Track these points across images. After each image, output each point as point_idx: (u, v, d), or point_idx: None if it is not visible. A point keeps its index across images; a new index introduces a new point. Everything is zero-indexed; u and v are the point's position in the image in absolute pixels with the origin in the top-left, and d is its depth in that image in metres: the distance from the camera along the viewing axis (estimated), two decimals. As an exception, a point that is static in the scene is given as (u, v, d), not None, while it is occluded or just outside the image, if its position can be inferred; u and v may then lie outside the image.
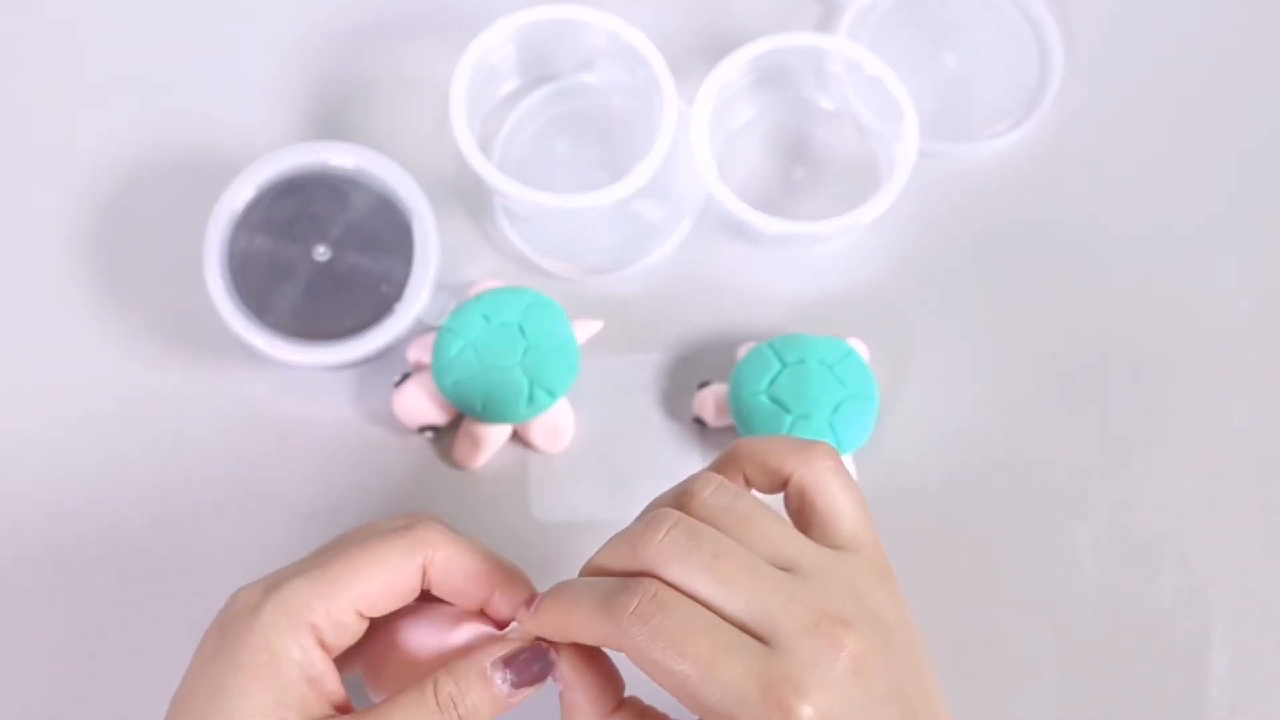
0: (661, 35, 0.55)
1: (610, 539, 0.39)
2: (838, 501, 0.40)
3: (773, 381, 0.53)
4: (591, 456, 0.54)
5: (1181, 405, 0.55)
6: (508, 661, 0.39)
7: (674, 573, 0.37)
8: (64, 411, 0.54)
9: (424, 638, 0.42)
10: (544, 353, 0.53)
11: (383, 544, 0.40)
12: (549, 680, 0.40)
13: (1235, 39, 0.61)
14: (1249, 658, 0.52)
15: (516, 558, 0.52)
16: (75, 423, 0.54)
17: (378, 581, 0.40)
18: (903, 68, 0.56)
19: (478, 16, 0.55)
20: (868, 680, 0.36)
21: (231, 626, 0.39)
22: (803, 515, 0.40)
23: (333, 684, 0.39)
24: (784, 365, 0.53)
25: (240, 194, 0.53)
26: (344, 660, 0.41)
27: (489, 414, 0.53)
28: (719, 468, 0.41)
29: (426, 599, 0.42)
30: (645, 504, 0.41)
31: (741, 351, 0.55)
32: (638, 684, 0.39)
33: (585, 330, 0.54)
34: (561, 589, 0.39)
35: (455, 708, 0.39)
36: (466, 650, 0.41)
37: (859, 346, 0.54)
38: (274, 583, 0.39)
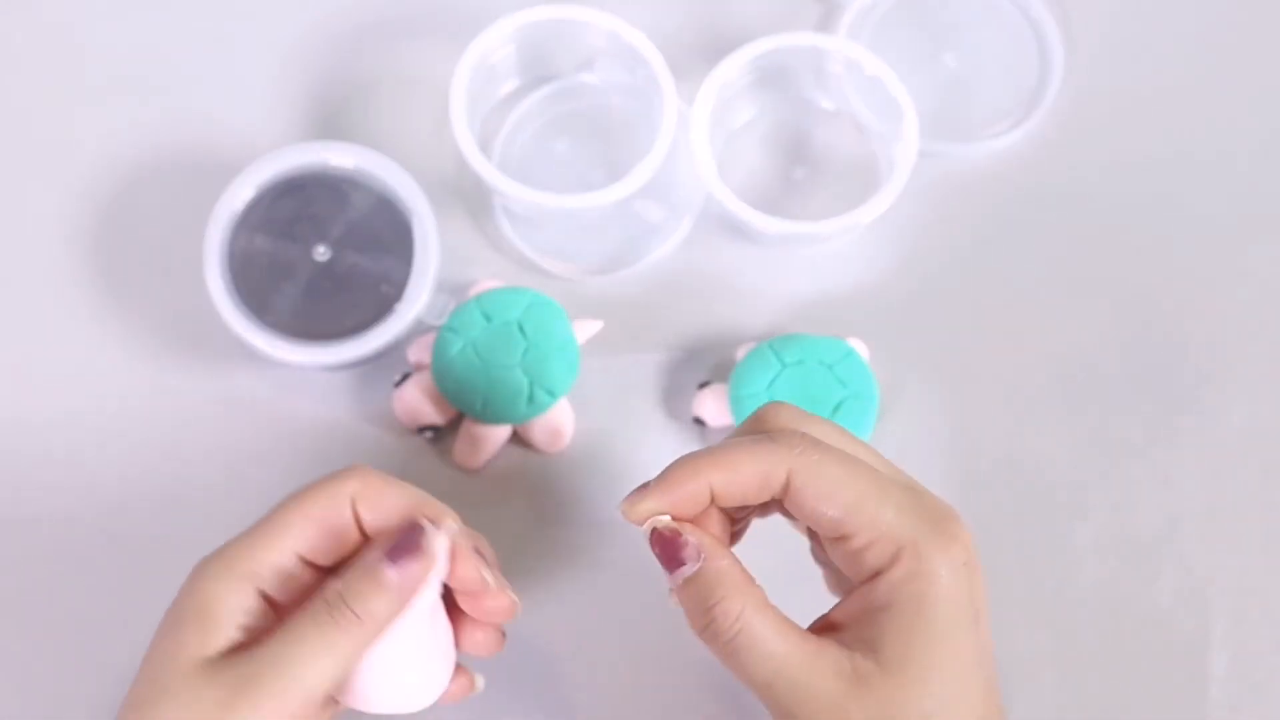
0: (661, 35, 0.55)
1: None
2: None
3: (773, 381, 0.53)
4: (591, 456, 0.54)
5: (1181, 405, 0.55)
6: (385, 549, 0.40)
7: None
8: (64, 411, 0.54)
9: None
10: (544, 353, 0.53)
11: (310, 489, 0.41)
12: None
13: (1235, 38, 0.61)
14: (1249, 658, 0.52)
15: (517, 558, 0.53)
16: (75, 422, 0.54)
17: (309, 522, 0.41)
18: (903, 68, 0.56)
19: (478, 16, 0.55)
20: (975, 575, 0.40)
21: (180, 588, 0.41)
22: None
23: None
24: (784, 365, 0.53)
25: (240, 194, 0.53)
26: None
27: (489, 414, 0.53)
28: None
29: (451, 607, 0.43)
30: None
31: (741, 351, 0.55)
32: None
33: (585, 330, 0.54)
34: (692, 453, 0.40)
35: (345, 602, 0.39)
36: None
37: (859, 346, 0.54)
38: (220, 547, 0.41)
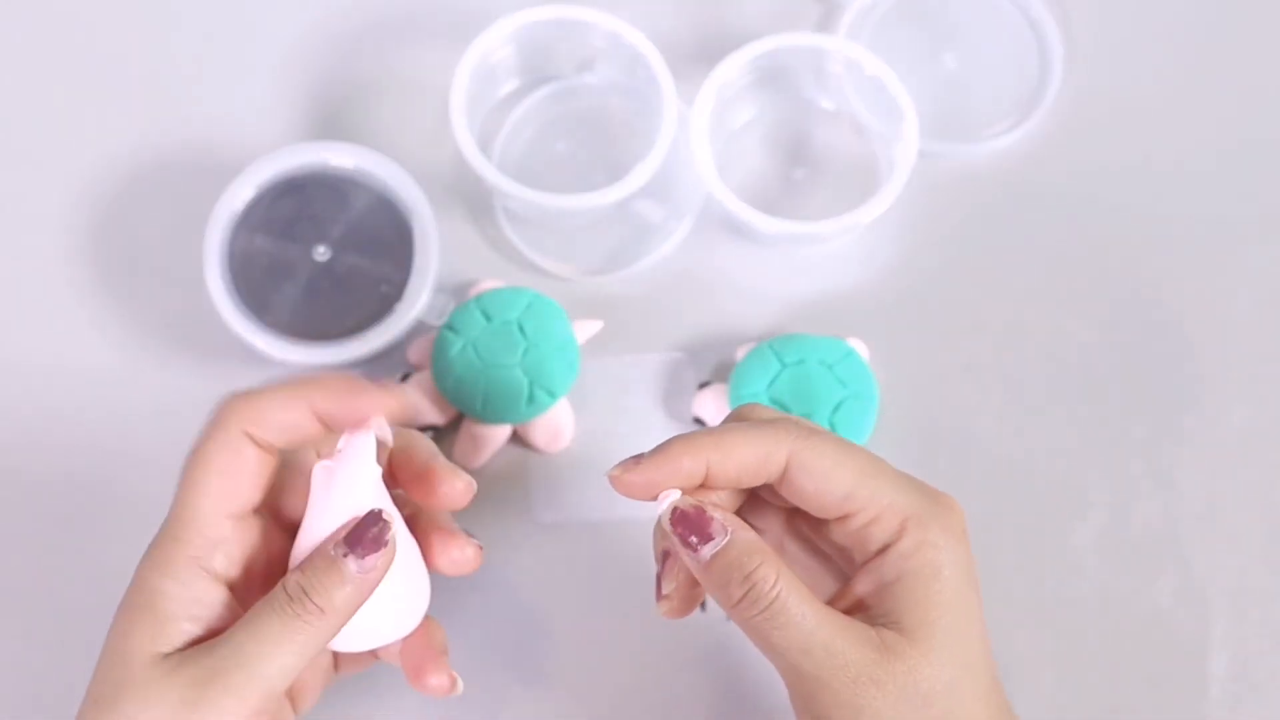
0: (661, 36, 0.55)
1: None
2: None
3: (773, 381, 0.53)
4: (591, 456, 0.54)
5: (1182, 405, 0.55)
6: (345, 538, 0.39)
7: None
8: (63, 411, 0.54)
9: None
10: (544, 353, 0.53)
11: (201, 447, 0.41)
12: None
13: (1235, 38, 0.61)
14: (1249, 658, 0.52)
15: (517, 557, 0.53)
16: (74, 423, 0.54)
17: (223, 479, 0.40)
18: (903, 68, 0.55)
19: (478, 17, 0.55)
20: (967, 548, 0.41)
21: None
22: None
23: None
24: (784, 365, 0.53)
25: (240, 194, 0.53)
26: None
27: (489, 414, 0.53)
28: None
29: None
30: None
31: (741, 351, 0.55)
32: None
33: (585, 330, 0.54)
34: (693, 432, 0.40)
35: (307, 595, 0.39)
36: None
37: (859, 346, 0.54)
38: (153, 540, 0.41)
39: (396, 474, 0.43)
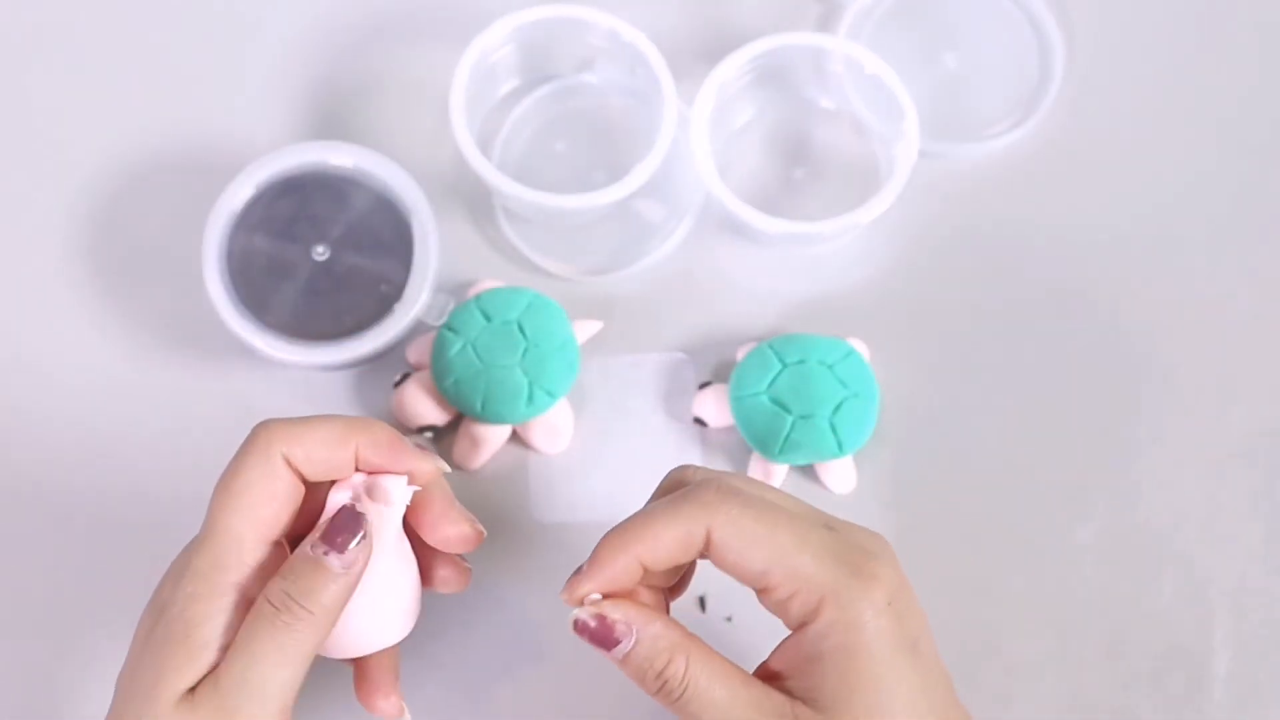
0: (661, 35, 0.55)
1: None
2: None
3: (773, 381, 0.53)
4: (591, 456, 0.54)
5: (1182, 405, 0.55)
6: (322, 536, 0.40)
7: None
8: (63, 411, 0.54)
9: None
10: (544, 353, 0.53)
11: (238, 473, 0.41)
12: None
13: (1235, 38, 0.61)
14: (1249, 658, 0.52)
15: (517, 558, 0.53)
16: (74, 422, 0.54)
17: (268, 502, 0.41)
18: (903, 68, 0.55)
19: (478, 16, 0.55)
20: (900, 604, 0.39)
21: (154, 613, 0.41)
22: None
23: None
24: (784, 365, 0.53)
25: (240, 194, 0.53)
26: None
27: (489, 414, 0.53)
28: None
29: None
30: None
31: (741, 352, 0.55)
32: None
33: (585, 330, 0.54)
34: (616, 528, 0.40)
35: (294, 600, 0.39)
36: None
37: (859, 346, 0.54)
38: (186, 566, 0.41)
39: (409, 514, 0.43)
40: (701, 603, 0.52)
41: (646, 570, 0.40)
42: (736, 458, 0.54)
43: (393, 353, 0.54)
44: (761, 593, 0.40)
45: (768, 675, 0.40)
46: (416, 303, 0.53)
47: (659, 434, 0.55)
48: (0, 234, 0.57)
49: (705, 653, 0.39)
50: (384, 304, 0.53)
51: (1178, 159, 0.59)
